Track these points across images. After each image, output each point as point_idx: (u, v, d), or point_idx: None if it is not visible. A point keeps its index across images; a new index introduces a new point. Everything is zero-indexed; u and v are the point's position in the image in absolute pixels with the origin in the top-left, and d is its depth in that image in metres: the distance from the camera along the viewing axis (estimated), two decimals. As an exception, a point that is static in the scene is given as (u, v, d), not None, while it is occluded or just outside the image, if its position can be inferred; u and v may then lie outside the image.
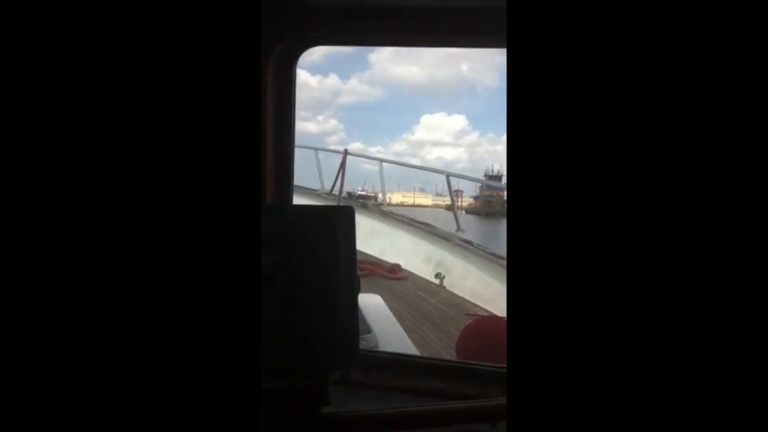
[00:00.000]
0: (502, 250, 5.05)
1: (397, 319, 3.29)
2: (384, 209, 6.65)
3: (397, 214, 6.52)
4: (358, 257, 0.95)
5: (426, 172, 19.29)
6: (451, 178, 6.15)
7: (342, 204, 6.11)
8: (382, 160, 6.88)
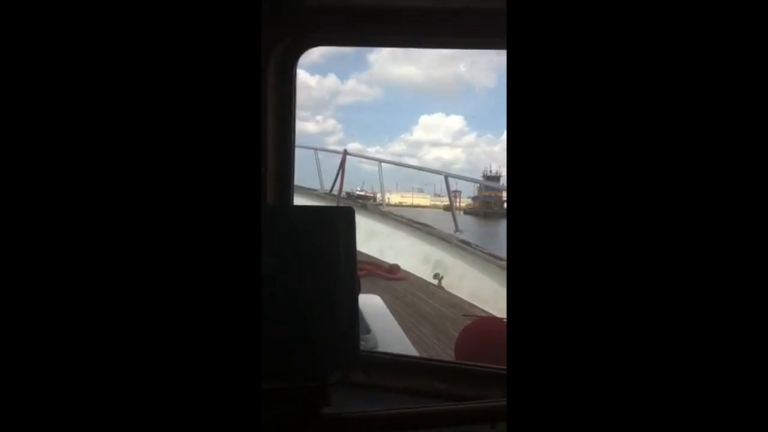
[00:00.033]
0: (500, 251, 5.05)
1: (396, 320, 3.29)
2: (383, 209, 6.66)
3: (396, 215, 6.53)
4: (357, 257, 0.95)
5: (424, 172, 19.41)
6: (450, 179, 6.15)
7: (341, 204, 6.11)
8: (381, 161, 6.89)
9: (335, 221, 0.92)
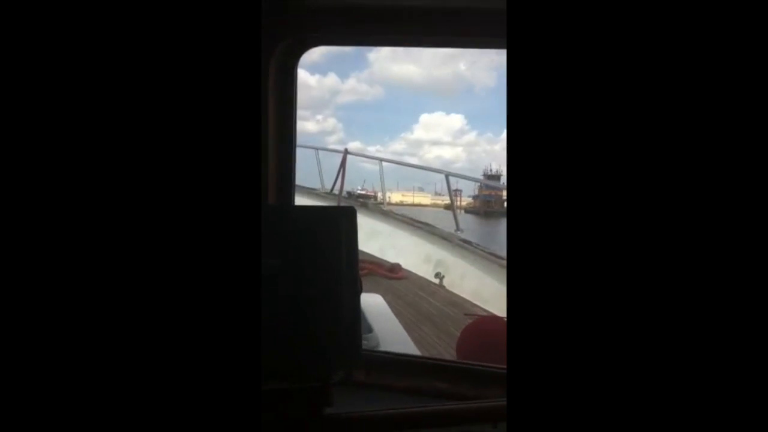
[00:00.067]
0: (501, 250, 5.05)
1: (398, 319, 3.29)
2: (384, 208, 6.66)
3: (397, 214, 6.53)
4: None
5: (425, 171, 19.39)
6: (450, 178, 6.16)
7: (342, 203, 6.12)
8: (381, 160, 6.90)
9: (337, 221, 0.92)
